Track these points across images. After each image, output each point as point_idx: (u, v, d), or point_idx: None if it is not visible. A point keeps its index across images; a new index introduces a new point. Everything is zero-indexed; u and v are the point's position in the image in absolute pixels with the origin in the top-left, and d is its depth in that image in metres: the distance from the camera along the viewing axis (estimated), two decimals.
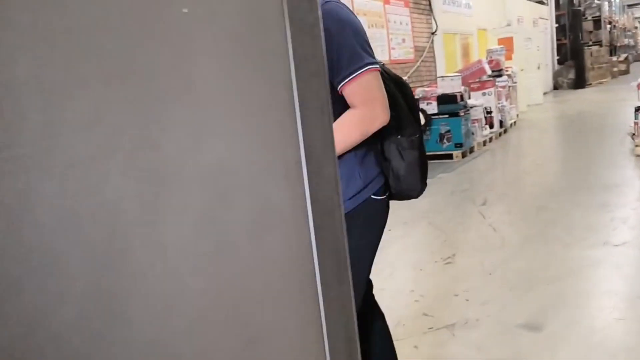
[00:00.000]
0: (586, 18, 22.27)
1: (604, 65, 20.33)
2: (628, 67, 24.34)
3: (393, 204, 1.53)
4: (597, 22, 22.76)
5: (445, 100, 6.99)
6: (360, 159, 1.39)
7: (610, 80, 20.04)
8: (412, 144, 1.46)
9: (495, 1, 13.39)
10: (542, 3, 17.93)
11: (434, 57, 9.37)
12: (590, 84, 18.53)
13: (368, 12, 7.35)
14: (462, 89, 8.21)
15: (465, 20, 11.14)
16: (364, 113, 1.32)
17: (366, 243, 1.43)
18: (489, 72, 8.44)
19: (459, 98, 6.95)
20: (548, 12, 18.49)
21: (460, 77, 7.27)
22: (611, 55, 23.46)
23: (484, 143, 7.84)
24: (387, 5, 7.85)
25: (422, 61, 8.89)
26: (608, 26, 24.64)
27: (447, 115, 6.96)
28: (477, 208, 4.46)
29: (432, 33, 9.28)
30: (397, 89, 1.47)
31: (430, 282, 3.06)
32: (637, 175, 5.15)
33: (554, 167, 5.99)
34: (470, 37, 11.60)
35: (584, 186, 4.79)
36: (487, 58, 9.82)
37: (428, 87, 7.62)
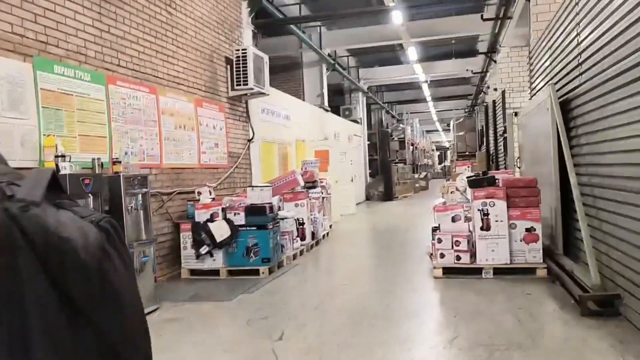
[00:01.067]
0: (393, 138, 25.01)
1: (408, 181, 22.65)
2: (427, 183, 27.58)
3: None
4: (402, 143, 25.69)
5: (254, 211, 6.55)
6: None
7: (413, 195, 22.28)
8: None
9: (313, 115, 14.09)
10: (356, 122, 19.61)
11: (249, 164, 9.09)
12: (397, 197, 20.30)
13: (177, 112, 6.81)
14: (272, 199, 7.93)
15: (284, 131, 11.33)
16: None
17: None
18: (302, 183, 8.37)
19: (268, 210, 6.56)
20: (361, 130, 20.25)
21: (270, 188, 6.97)
22: (414, 172, 26.45)
23: (295, 256, 7.49)
24: (199, 108, 7.43)
25: (237, 167, 8.53)
26: (411, 147, 27.98)
27: (255, 228, 6.49)
28: (272, 344, 3.83)
29: (249, 140, 9.07)
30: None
31: None
32: (435, 302, 5.10)
33: (360, 288, 5.77)
34: (289, 146, 11.79)
35: (387, 315, 4.53)
36: (302, 169, 9.89)
37: (237, 196, 7.15)
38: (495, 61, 13.91)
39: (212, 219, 6.44)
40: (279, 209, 8.16)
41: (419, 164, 31.82)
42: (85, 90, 5.13)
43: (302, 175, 9.18)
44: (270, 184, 7.94)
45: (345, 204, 13.86)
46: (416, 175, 25.73)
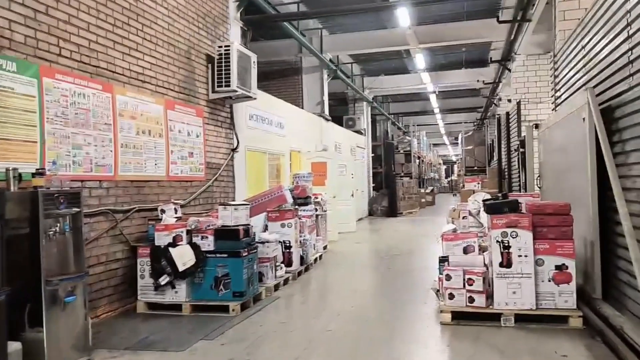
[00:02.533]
0: (399, 151, 23.92)
1: (414, 195, 21.51)
2: (434, 198, 26.41)
3: None
4: (408, 156, 24.60)
5: (225, 235, 5.47)
6: None
7: (419, 211, 21.13)
8: None
9: (312, 124, 13.04)
10: (360, 133, 18.55)
11: (233, 176, 8.04)
12: (402, 213, 19.17)
13: (140, 115, 5.77)
14: (257, 219, 6.88)
15: (277, 140, 10.28)
16: None
17: None
18: (290, 200, 7.29)
19: (241, 233, 5.47)
20: (365, 141, 19.18)
21: (247, 206, 5.89)
22: (420, 186, 25.29)
23: (277, 287, 6.39)
24: (170, 111, 6.40)
25: (217, 180, 7.47)
26: (417, 160, 26.87)
27: (225, 255, 5.40)
28: None
29: (233, 149, 8.03)
30: None
31: None
32: None
33: (350, 335, 4.66)
34: (282, 157, 10.74)
35: None
36: (293, 183, 8.82)
37: (206, 215, 6.07)
38: (509, 70, 12.84)
39: (174, 243, 5.37)
40: (265, 228, 7.10)
41: (425, 177, 30.67)
42: (6, 82, 4.10)
43: (293, 191, 8.12)
44: (250, 201, 6.89)
45: (344, 221, 12.76)
46: (422, 190, 24.58)
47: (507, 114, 12.69)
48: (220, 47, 7.25)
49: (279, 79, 14.09)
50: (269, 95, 10.18)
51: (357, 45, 13.73)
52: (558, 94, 7.00)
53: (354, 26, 13.60)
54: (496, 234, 4.60)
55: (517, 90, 12.39)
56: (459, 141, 29.69)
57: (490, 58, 13.41)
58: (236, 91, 7.27)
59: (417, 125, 29.46)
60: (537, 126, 7.82)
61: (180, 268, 5.28)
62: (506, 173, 12.96)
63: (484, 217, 5.86)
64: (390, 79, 18.97)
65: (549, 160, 6.97)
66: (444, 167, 57.11)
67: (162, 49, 6.31)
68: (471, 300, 4.72)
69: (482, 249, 5.18)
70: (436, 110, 25.04)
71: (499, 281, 4.60)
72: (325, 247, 9.64)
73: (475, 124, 27.65)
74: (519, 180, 11.33)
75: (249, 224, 5.81)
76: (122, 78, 5.55)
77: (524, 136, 10.44)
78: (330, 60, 13.77)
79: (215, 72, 7.27)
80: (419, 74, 17.72)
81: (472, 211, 6.06)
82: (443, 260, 5.65)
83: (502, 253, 4.59)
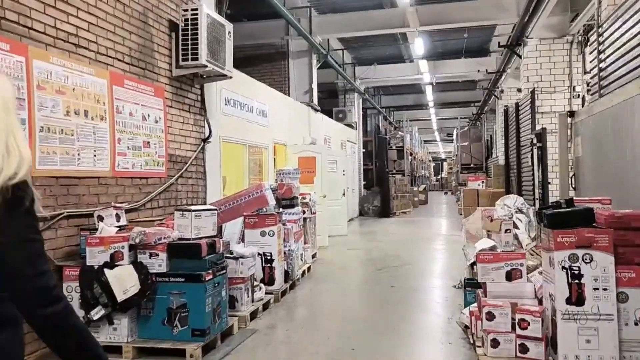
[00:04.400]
0: (391, 147, 22.58)
1: (407, 194, 20.21)
2: (427, 197, 25.18)
3: None
4: (401, 152, 23.28)
5: (182, 251, 4.05)
6: None
7: (412, 210, 19.82)
8: None
9: (299, 114, 11.62)
10: (351, 126, 17.17)
11: (204, 172, 6.61)
12: (395, 213, 17.86)
13: (71, 90, 4.31)
14: (234, 226, 5.48)
15: (259, 130, 8.85)
16: None
17: None
18: (272, 202, 5.88)
19: (204, 249, 4.05)
20: (356, 136, 17.80)
21: (214, 212, 4.45)
22: (412, 184, 23.98)
23: (254, 314, 4.99)
24: (118, 88, 4.94)
25: (182, 177, 6.04)
26: (410, 157, 25.58)
27: (182, 279, 3.98)
28: None
29: (204, 140, 6.59)
30: None
31: None
32: None
33: None
34: (265, 151, 9.31)
35: None
36: (277, 181, 7.41)
37: (160, 224, 4.61)
38: (520, 56, 11.53)
39: (112, 262, 3.93)
40: (241, 239, 5.70)
41: (417, 175, 29.39)
42: None
43: (276, 190, 6.72)
44: (222, 203, 5.47)
45: (335, 223, 11.37)
46: (415, 188, 23.28)
47: (517, 104, 11.40)
48: (186, 10, 5.79)
49: (264, 64, 12.62)
50: (250, 78, 8.74)
51: (351, 27, 12.30)
52: (604, 73, 5.67)
53: (346, 5, 12.18)
54: (562, 257, 3.25)
55: (528, 79, 11.09)
56: (454, 137, 28.46)
57: (499, 43, 12.07)
58: (206, 66, 5.83)
59: (410, 120, 28.18)
60: (572, 114, 6.49)
61: (120, 297, 3.85)
62: (515, 171, 11.67)
63: (521, 231, 4.51)
64: (384, 68, 17.57)
65: (590, 156, 5.66)
66: (432, 164, 56.01)
67: (107, 6, 4.84)
68: (524, 349, 3.36)
69: (530, 269, 3.85)
70: (431, 104, 23.71)
71: (565, 324, 3.25)
72: (314, 256, 8.25)
73: (470, 119, 26.42)
74: (533, 179, 10.06)
75: (216, 236, 4.40)
76: (43, 38, 4.08)
77: (542, 129, 9.16)
78: (320, 44, 12.34)
79: (180, 42, 5.81)
80: (416, 63, 16.37)
81: (503, 220, 4.70)
82: (470, 284, 4.32)
83: (570, 284, 3.24)
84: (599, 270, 3.22)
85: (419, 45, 13.41)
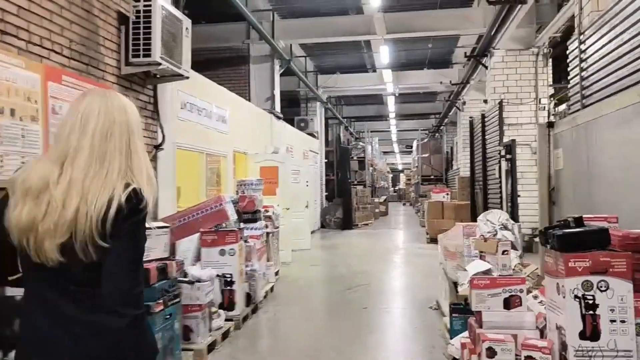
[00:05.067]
0: (352, 157, 22.25)
1: (369, 205, 19.88)
2: (387, 208, 24.98)
3: None
4: (362, 163, 23.01)
5: None
6: None
7: (374, 222, 19.49)
8: None
9: (261, 121, 11.04)
10: (313, 136, 16.70)
11: (156, 183, 5.91)
12: (357, 225, 17.46)
13: None
14: (187, 248, 4.84)
15: (218, 137, 8.21)
16: None
17: None
18: (233, 217, 5.27)
19: (154, 274, 3.42)
20: (318, 145, 17.34)
21: (166, 229, 3.82)
22: (372, 195, 23.71)
23: (211, 347, 4.35)
24: (53, 84, 4.25)
25: None
26: (370, 168, 25.35)
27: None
28: None
29: (156, 147, 5.92)
30: None
31: None
32: None
33: None
34: (224, 159, 8.67)
35: None
36: (237, 193, 6.80)
37: None
38: (486, 67, 11.38)
39: None
40: (196, 258, 5.07)
41: (377, 186, 29.21)
42: None
43: (237, 203, 6.10)
44: (176, 218, 4.83)
45: (298, 236, 10.80)
46: (376, 200, 23.01)
47: (483, 116, 11.23)
48: (138, 1, 5.15)
49: (223, 68, 11.99)
50: (209, 81, 8.12)
51: (315, 33, 11.87)
52: (587, 82, 5.40)
53: (310, 10, 11.75)
54: (574, 284, 2.82)
55: (495, 90, 10.97)
56: (414, 148, 28.46)
57: (465, 53, 11.90)
58: (160, 64, 5.18)
59: (371, 131, 28.03)
60: (551, 125, 6.22)
61: None
62: (481, 183, 11.46)
63: (507, 255, 4.08)
64: (347, 77, 17.24)
65: (576, 167, 5.36)
66: (391, 175, 56.33)
67: None
68: None
69: (530, 293, 3.41)
70: (392, 115, 23.57)
71: None
72: (277, 273, 7.66)
73: (430, 130, 26.50)
74: (500, 192, 9.84)
75: (168, 257, 3.77)
76: None
77: (511, 140, 8.96)
78: (282, 50, 11.83)
79: (131, 37, 5.14)
80: (379, 72, 16.12)
81: (486, 236, 4.29)
82: (457, 310, 3.87)
83: (583, 316, 2.81)
84: (615, 300, 2.81)
85: (384, 54, 13.12)
